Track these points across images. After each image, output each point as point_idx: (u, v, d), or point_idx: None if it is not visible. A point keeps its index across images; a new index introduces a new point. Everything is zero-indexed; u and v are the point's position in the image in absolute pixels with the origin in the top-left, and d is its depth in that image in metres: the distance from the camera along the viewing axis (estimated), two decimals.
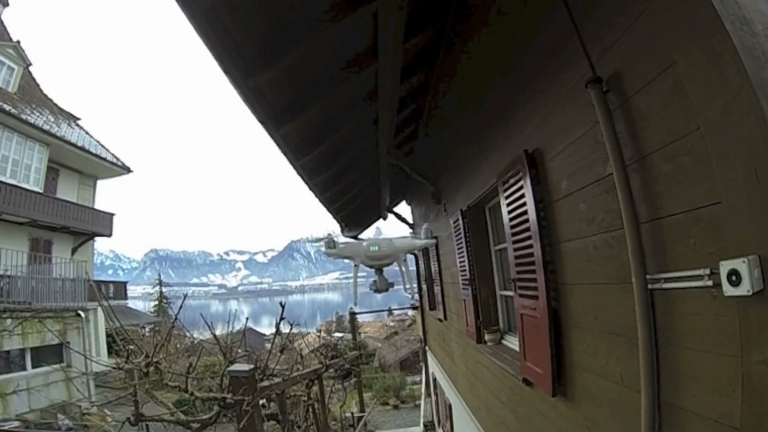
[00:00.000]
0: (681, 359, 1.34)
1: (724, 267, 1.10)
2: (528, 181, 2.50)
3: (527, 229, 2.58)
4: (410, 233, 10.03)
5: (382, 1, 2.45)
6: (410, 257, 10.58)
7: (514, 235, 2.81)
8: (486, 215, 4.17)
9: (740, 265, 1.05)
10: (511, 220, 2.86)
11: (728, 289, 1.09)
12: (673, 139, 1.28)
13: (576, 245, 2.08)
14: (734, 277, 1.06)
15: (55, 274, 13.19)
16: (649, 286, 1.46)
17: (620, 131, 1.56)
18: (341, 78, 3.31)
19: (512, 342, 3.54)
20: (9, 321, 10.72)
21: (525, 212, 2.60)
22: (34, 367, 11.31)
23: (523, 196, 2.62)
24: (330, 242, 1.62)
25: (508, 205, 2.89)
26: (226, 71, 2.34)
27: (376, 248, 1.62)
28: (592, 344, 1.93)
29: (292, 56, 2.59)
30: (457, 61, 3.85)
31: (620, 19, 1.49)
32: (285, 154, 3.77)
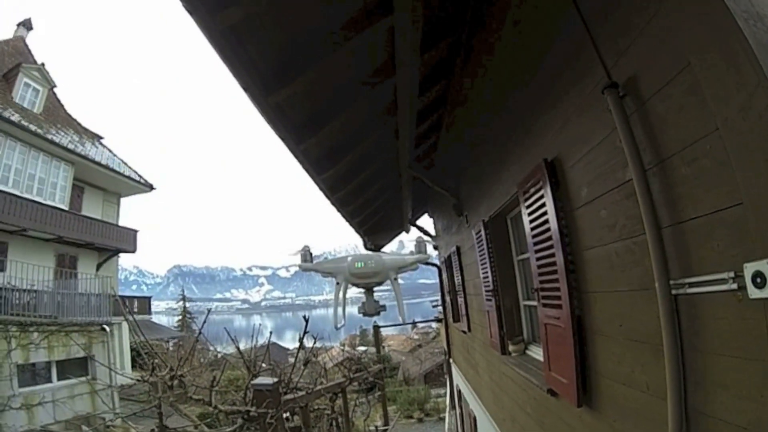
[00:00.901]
0: (707, 365, 1.31)
1: (749, 269, 1.08)
2: (548, 190, 2.49)
3: (549, 238, 2.56)
4: (431, 245, 10.02)
5: (398, 16, 2.50)
6: (433, 270, 10.50)
7: (536, 244, 2.79)
8: (508, 225, 4.15)
9: (765, 266, 1.03)
10: (532, 229, 2.84)
11: (753, 292, 1.07)
12: (692, 141, 1.27)
13: (598, 252, 2.05)
14: (759, 279, 1.04)
15: (80, 289, 13.59)
16: (673, 292, 1.44)
17: (638, 136, 1.55)
18: (360, 93, 3.37)
19: (536, 352, 3.48)
20: (35, 335, 11.08)
21: (546, 221, 2.58)
22: (59, 379, 11.62)
23: (544, 205, 2.61)
24: (305, 255, 1.43)
25: (530, 214, 2.88)
26: (246, 89, 2.41)
27: (362, 264, 1.43)
28: (616, 352, 1.89)
29: (310, 73, 2.66)
30: (474, 73, 3.88)
31: (633, 23, 1.49)
32: (306, 169, 3.85)
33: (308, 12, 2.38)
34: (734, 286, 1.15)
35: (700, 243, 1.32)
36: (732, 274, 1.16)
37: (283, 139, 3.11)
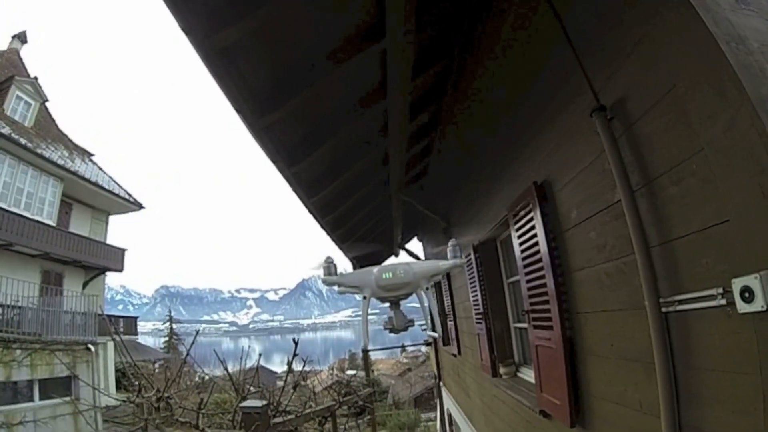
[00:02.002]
0: (700, 381, 1.31)
1: (737, 284, 1.10)
2: (538, 212, 2.53)
3: (539, 260, 2.58)
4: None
5: (389, 40, 2.54)
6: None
7: (526, 266, 2.81)
8: (498, 249, 4.18)
9: (752, 281, 1.06)
10: (522, 251, 2.87)
11: (742, 307, 1.09)
12: (679, 162, 1.32)
13: (588, 273, 2.08)
14: (747, 294, 1.07)
15: (65, 306, 13.18)
16: (663, 310, 1.46)
17: (626, 157, 1.60)
18: (351, 116, 3.39)
19: (528, 374, 3.45)
20: (18, 352, 10.68)
21: (536, 243, 2.61)
22: (41, 398, 11.11)
23: (534, 227, 2.64)
24: (329, 267, 1.26)
25: (519, 237, 2.91)
26: (239, 111, 2.41)
27: (390, 275, 1.23)
28: (609, 372, 1.89)
29: (302, 96, 2.67)
30: (464, 98, 3.98)
31: (621, 48, 1.56)
32: (296, 192, 3.82)
33: (300, 36, 2.42)
34: (723, 301, 1.17)
35: (688, 260, 1.34)
36: (721, 290, 1.18)
37: (274, 161, 3.10)
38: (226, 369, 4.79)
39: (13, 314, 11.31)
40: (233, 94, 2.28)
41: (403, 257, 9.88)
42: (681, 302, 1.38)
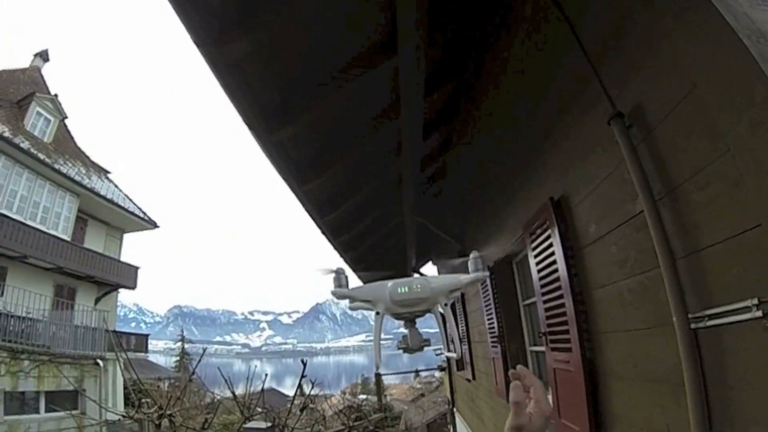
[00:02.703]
0: (735, 401, 1.20)
1: None
2: (555, 229, 2.46)
3: (557, 279, 2.49)
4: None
5: (402, 57, 2.53)
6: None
7: (543, 286, 2.72)
8: (513, 270, 4.09)
9: None
10: (539, 271, 2.78)
11: None
12: (703, 166, 1.25)
13: (609, 291, 1.98)
14: None
15: (76, 321, 13.30)
16: (692, 326, 1.36)
17: (647, 165, 1.53)
18: (364, 135, 3.37)
19: None
20: (26, 363, 10.75)
21: (554, 261, 2.53)
22: (47, 411, 11.11)
23: (551, 245, 2.56)
24: (340, 278, 1.13)
25: (536, 256, 2.83)
26: (250, 126, 2.40)
27: (406, 289, 1.07)
28: (632, 395, 1.77)
29: (313, 112, 2.67)
30: (478, 115, 3.96)
31: (636, 51, 1.51)
32: (309, 212, 3.79)
33: (312, 51, 2.42)
34: (759, 313, 1.08)
35: (718, 271, 1.26)
36: (755, 301, 1.09)
37: (285, 179, 3.08)
38: (230, 389, 4.70)
39: (24, 326, 11.43)
40: (244, 108, 2.28)
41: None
42: (711, 317, 1.28)
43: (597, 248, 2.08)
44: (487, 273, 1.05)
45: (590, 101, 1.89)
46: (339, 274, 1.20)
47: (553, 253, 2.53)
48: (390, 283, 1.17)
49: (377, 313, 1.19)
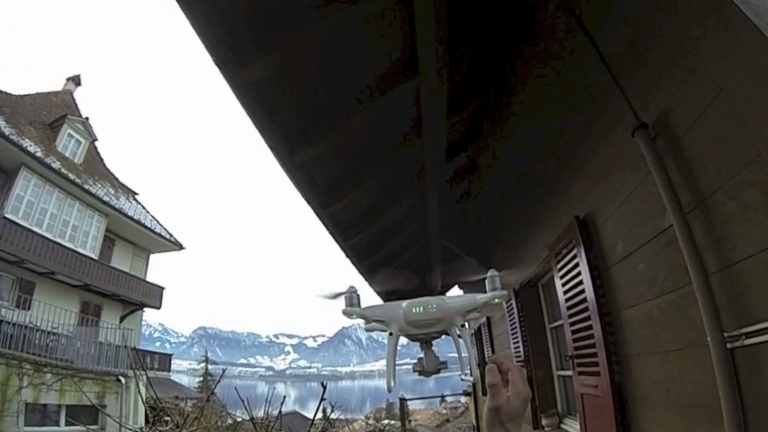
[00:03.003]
0: None
1: None
2: (581, 249, 2.39)
3: (584, 300, 2.41)
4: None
5: (423, 78, 2.53)
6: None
7: (569, 308, 2.63)
8: (539, 292, 3.98)
9: None
10: (565, 293, 2.70)
11: None
12: (734, 173, 1.19)
13: (638, 311, 1.89)
14: None
15: (101, 338, 13.50)
16: (728, 345, 1.27)
17: (674, 177, 1.48)
18: (388, 156, 3.36)
19: (572, 425, 3.14)
20: (49, 376, 10.93)
21: (580, 282, 2.45)
22: (67, 424, 11.19)
23: (577, 265, 2.49)
24: (351, 297, 1.06)
25: (562, 277, 2.76)
26: (272, 147, 2.42)
27: (420, 309, 0.99)
28: (665, 421, 1.65)
29: (336, 133, 2.67)
30: (501, 136, 3.95)
31: (658, 61, 1.48)
32: (333, 234, 3.77)
33: (333, 71, 2.44)
34: None
35: (755, 285, 1.18)
36: None
37: (308, 202, 3.06)
38: (248, 411, 4.65)
39: (49, 340, 11.71)
40: (265, 129, 2.30)
41: None
42: (749, 335, 1.20)
43: (625, 267, 2.00)
44: (505, 292, 1.00)
45: (613, 114, 1.85)
46: (351, 293, 1.15)
47: (579, 274, 2.45)
48: (404, 302, 1.10)
49: (390, 334, 1.13)
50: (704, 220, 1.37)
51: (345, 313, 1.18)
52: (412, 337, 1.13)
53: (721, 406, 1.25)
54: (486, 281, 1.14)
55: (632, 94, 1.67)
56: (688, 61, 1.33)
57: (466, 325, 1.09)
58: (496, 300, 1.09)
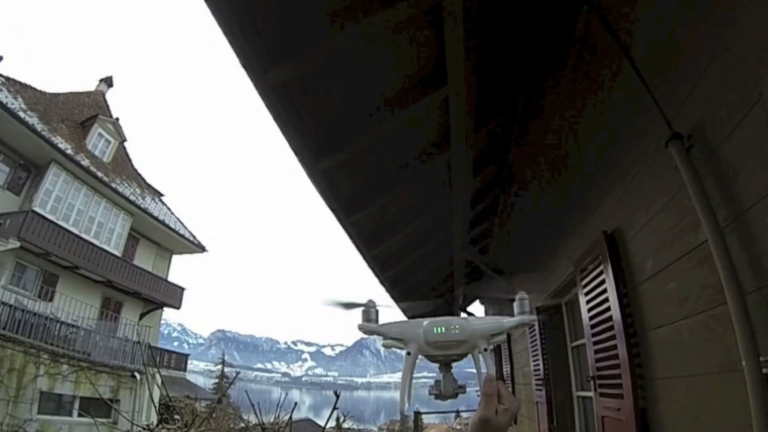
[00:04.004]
0: None
1: None
2: (608, 265, 2.30)
3: (609, 319, 2.31)
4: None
5: (452, 86, 2.48)
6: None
7: (593, 326, 2.53)
8: (562, 310, 3.86)
9: None
10: (590, 310, 2.60)
11: None
12: None
13: (667, 332, 1.80)
14: None
15: (120, 333, 13.83)
16: (765, 371, 1.19)
17: (710, 190, 1.40)
18: (414, 167, 3.29)
19: None
20: (65, 367, 11.22)
21: (606, 300, 2.35)
22: (80, 415, 11.43)
23: (603, 282, 2.40)
24: (369, 312, 1.05)
25: (587, 294, 2.66)
26: (297, 152, 2.41)
27: (442, 330, 0.91)
28: None
29: (362, 141, 2.65)
30: (529, 149, 3.88)
31: (693, 67, 1.42)
32: (356, 244, 3.74)
33: (360, 78, 2.43)
34: None
35: None
36: None
37: (332, 209, 3.06)
38: (257, 415, 4.64)
39: (69, 332, 12.06)
40: (291, 133, 2.29)
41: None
42: None
43: (654, 285, 1.91)
44: (534, 317, 0.95)
45: (645, 124, 1.79)
46: (369, 307, 1.07)
47: (605, 291, 2.36)
48: (426, 321, 1.03)
49: (408, 354, 1.06)
50: (741, 235, 1.29)
51: (361, 329, 1.10)
52: (431, 358, 1.05)
53: None
54: (515, 304, 1.04)
55: (665, 103, 1.60)
56: (724, 66, 1.27)
57: (489, 348, 1.00)
58: (521, 327, 1.01)
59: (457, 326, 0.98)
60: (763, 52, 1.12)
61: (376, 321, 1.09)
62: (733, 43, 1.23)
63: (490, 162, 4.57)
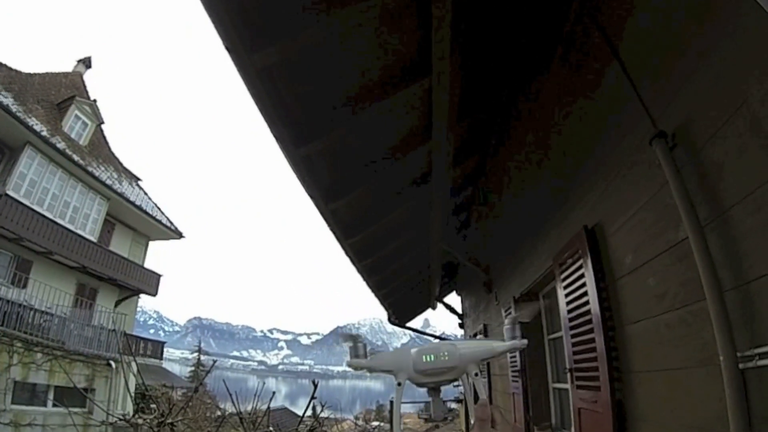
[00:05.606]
0: None
1: None
2: (588, 260, 2.33)
3: (587, 312, 2.35)
4: (459, 323, 9.47)
5: (436, 73, 2.45)
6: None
7: (572, 320, 2.58)
8: (540, 302, 3.91)
9: None
10: (568, 303, 2.64)
11: None
12: (756, 186, 1.14)
13: (645, 326, 1.84)
14: None
15: (95, 321, 13.50)
16: (741, 366, 1.22)
17: (692, 188, 1.43)
18: (394, 157, 3.29)
19: None
20: (39, 355, 10.93)
21: (585, 293, 2.39)
22: (54, 405, 11.20)
23: (582, 276, 2.43)
24: (357, 347, 1.04)
25: (566, 287, 2.70)
26: (277, 137, 2.37)
27: (432, 358, 0.98)
28: None
29: (343, 128, 2.63)
30: (509, 141, 3.90)
31: (681, 67, 1.43)
32: (333, 231, 3.71)
33: (343, 66, 2.40)
34: None
35: None
36: None
37: (311, 195, 3.03)
38: (235, 404, 4.59)
39: (42, 320, 11.71)
40: (272, 118, 2.24)
41: (440, 310, 9.50)
42: (762, 356, 1.14)
43: (633, 280, 1.95)
44: (525, 341, 0.94)
45: (629, 122, 1.81)
46: (357, 342, 1.03)
47: (584, 285, 2.40)
48: (414, 350, 1.00)
49: (398, 384, 1.03)
50: (722, 234, 1.32)
51: (350, 365, 1.06)
52: (420, 385, 1.02)
53: (730, 429, 1.20)
54: (505, 329, 1.02)
55: (651, 102, 1.62)
56: (711, 68, 1.28)
57: (479, 373, 0.98)
58: (515, 348, 0.99)
59: (446, 353, 0.96)
60: (749, 56, 1.14)
61: (365, 356, 1.06)
62: (718, 43, 1.24)
63: (471, 154, 4.59)
